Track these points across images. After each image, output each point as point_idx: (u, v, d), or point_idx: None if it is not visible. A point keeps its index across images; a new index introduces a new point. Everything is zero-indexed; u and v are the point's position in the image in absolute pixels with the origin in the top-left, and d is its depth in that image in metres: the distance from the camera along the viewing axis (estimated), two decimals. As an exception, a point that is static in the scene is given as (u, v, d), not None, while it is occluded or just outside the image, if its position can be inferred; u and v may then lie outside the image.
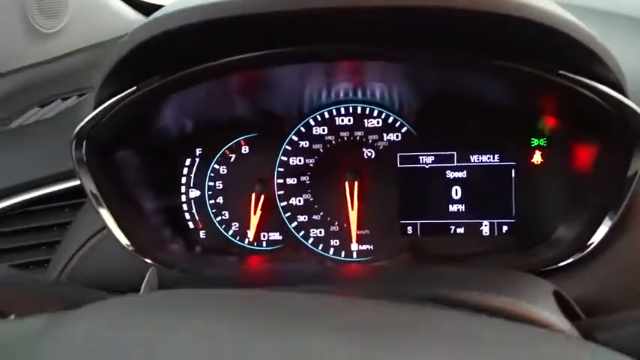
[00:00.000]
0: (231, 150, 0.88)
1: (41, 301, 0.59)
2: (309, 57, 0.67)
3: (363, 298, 0.43)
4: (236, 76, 0.72)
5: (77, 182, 0.76)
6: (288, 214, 0.87)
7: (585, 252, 0.69)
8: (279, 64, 0.68)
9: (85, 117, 0.72)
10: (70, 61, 1.16)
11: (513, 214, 0.82)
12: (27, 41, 1.10)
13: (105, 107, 0.70)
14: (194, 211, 0.89)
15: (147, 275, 0.59)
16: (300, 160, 0.86)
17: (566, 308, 0.52)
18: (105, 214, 0.75)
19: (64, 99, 1.01)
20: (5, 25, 1.04)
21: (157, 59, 0.65)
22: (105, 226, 0.77)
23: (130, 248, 0.77)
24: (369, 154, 0.85)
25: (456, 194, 0.84)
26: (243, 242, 0.88)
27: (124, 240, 0.76)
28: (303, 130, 0.86)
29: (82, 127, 0.71)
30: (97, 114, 0.70)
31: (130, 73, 0.67)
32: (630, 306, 0.65)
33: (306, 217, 0.87)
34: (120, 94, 0.69)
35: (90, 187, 0.74)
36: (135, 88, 0.68)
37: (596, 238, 0.69)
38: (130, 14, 1.32)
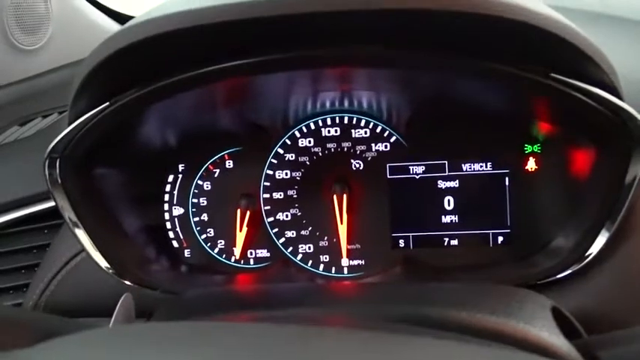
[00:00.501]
0: (215, 165, 0.85)
1: (13, 331, 0.56)
2: (296, 63, 0.64)
3: (347, 324, 0.40)
4: (217, 86, 0.69)
5: (56, 202, 0.73)
6: (276, 229, 0.84)
7: (584, 263, 0.67)
8: (262, 73, 0.65)
9: (62, 135, 0.69)
10: (51, 78, 1.14)
11: (508, 223, 0.80)
12: (7, 59, 1.08)
13: (78, 124, 0.67)
14: (178, 229, 0.86)
15: (120, 302, 0.56)
16: (286, 174, 0.84)
17: (565, 325, 0.49)
18: (82, 235, 0.72)
19: (45, 116, 0.99)
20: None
21: (130, 71, 0.63)
22: (84, 248, 0.74)
23: (110, 271, 0.74)
24: (358, 165, 0.83)
25: (449, 205, 0.81)
26: (230, 260, 0.85)
27: (102, 262, 0.73)
28: (288, 142, 0.84)
29: (55, 145, 0.68)
30: (70, 131, 0.68)
31: (103, 87, 0.64)
32: (632, 319, 0.62)
33: (294, 232, 0.84)
34: (94, 108, 0.66)
35: (65, 207, 0.71)
36: (108, 103, 0.65)
37: (595, 248, 0.66)
38: (115, 29, 1.30)
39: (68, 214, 0.72)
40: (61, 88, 1.07)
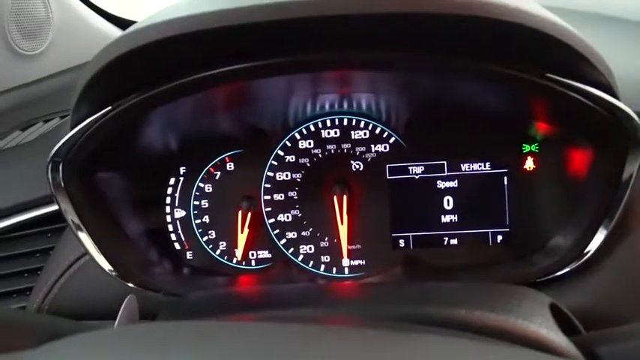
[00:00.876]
0: (216, 167, 0.86)
1: (16, 334, 0.56)
2: (296, 67, 0.65)
3: (347, 323, 0.40)
4: (217, 90, 0.69)
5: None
6: (277, 231, 0.85)
7: (582, 260, 0.68)
8: (262, 77, 0.66)
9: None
10: (52, 83, 1.14)
11: (507, 222, 0.80)
12: (7, 64, 1.09)
13: (81, 128, 0.68)
14: (180, 231, 0.86)
15: (124, 303, 0.56)
16: (286, 175, 0.84)
17: (564, 322, 0.50)
18: (85, 239, 0.73)
19: (46, 121, 0.99)
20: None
21: (131, 75, 0.63)
22: (87, 252, 0.74)
23: (114, 273, 0.74)
24: (357, 166, 0.83)
25: (448, 204, 0.81)
26: (232, 262, 0.86)
27: (106, 265, 0.74)
28: (288, 144, 0.84)
29: (57, 149, 0.69)
30: (73, 135, 0.68)
31: (105, 91, 0.65)
32: (630, 316, 0.63)
33: (295, 233, 0.84)
34: (96, 113, 0.67)
35: (68, 211, 0.72)
36: (110, 107, 0.66)
37: (593, 245, 0.67)
38: (116, 33, 1.30)
39: (71, 217, 0.72)
40: (62, 92, 1.08)
